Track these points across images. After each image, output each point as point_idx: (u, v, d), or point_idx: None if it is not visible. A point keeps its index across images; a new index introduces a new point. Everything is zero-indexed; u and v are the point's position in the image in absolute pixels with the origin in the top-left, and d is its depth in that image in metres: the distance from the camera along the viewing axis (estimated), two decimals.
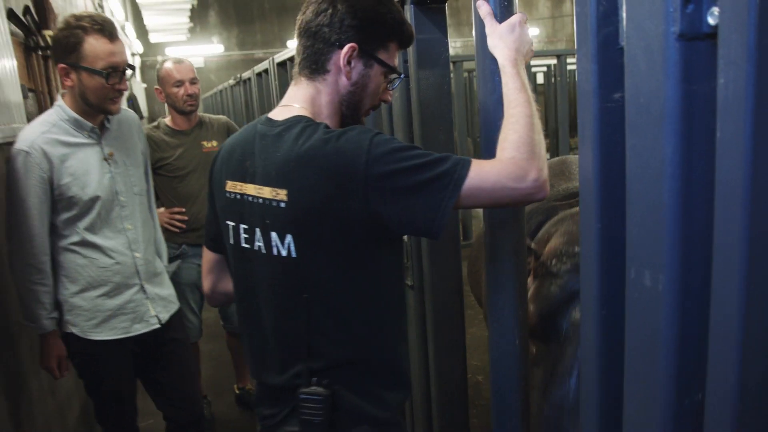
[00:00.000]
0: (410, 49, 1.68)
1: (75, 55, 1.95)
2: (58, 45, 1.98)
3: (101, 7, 6.99)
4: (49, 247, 2.05)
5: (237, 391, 3.64)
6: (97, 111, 2.06)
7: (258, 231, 1.32)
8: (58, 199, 2.02)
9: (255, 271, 1.36)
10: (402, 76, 1.44)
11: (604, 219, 0.99)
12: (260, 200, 1.29)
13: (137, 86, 10.80)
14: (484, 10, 1.29)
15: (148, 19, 10.95)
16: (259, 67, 4.66)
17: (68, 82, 2.00)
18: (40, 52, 3.18)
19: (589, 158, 0.99)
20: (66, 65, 1.97)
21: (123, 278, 2.17)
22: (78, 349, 2.16)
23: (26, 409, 2.33)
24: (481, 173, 1.16)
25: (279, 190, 1.25)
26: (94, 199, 2.07)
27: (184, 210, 3.12)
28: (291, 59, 3.51)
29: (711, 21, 0.77)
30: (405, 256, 1.91)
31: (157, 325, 2.26)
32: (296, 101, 1.36)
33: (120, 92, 2.05)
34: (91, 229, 2.09)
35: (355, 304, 1.29)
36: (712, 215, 0.80)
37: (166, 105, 3.20)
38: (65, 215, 2.05)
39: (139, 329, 2.22)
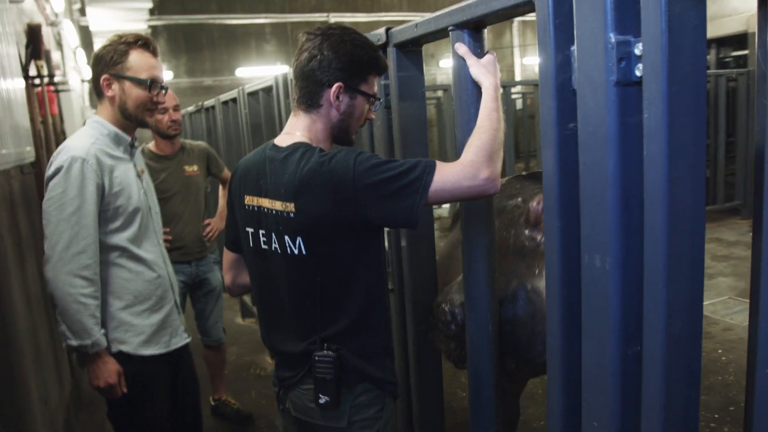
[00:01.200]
0: (392, 85, 1.98)
1: (120, 66, 2.02)
2: (103, 58, 2.03)
3: (59, 34, 7.08)
4: None
5: (213, 403, 3.78)
6: (134, 122, 2.10)
7: (274, 235, 1.61)
8: (104, 210, 2.00)
9: (273, 267, 1.66)
10: (381, 99, 1.75)
11: (563, 218, 1.30)
12: (274, 212, 1.60)
13: (88, 111, 10.78)
14: (463, 49, 1.60)
15: (99, 46, 11.01)
16: (226, 96, 4.88)
17: (110, 92, 2.04)
18: (33, 81, 3.33)
19: (551, 172, 1.30)
20: (110, 75, 2.02)
21: (163, 292, 2.18)
22: (130, 369, 2.07)
23: (31, 420, 2.47)
24: (443, 176, 1.47)
25: (288, 204, 1.56)
26: (136, 211, 2.09)
27: (168, 230, 3.25)
28: (266, 90, 3.75)
29: (638, 73, 1.09)
30: (385, 263, 2.20)
31: (188, 339, 2.30)
32: (297, 129, 1.66)
33: (156, 105, 2.12)
34: (135, 241, 2.09)
35: (354, 282, 1.60)
36: (642, 211, 1.11)
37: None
38: (110, 226, 2.03)
39: (177, 343, 2.23)
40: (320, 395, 1.61)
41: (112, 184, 2.01)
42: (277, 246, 1.62)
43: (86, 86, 12.85)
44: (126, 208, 2.05)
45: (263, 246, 1.66)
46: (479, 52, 1.60)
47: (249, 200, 1.67)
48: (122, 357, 2.06)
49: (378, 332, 1.68)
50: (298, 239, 1.57)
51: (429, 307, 2.12)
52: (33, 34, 3.23)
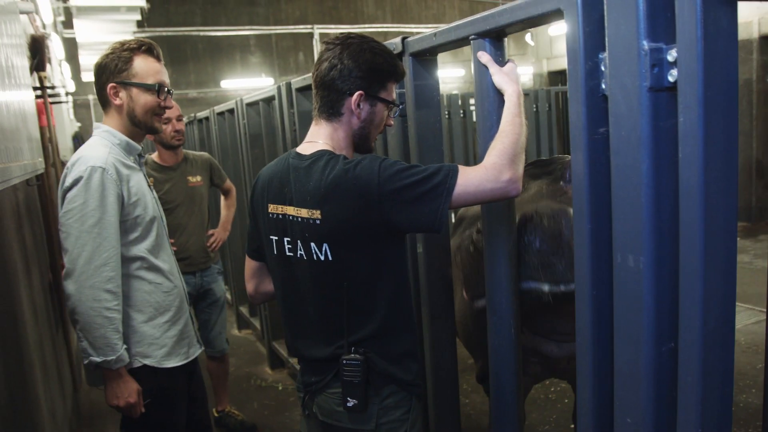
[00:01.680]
0: (408, 94, 2.01)
1: (126, 73, 1.99)
2: (107, 67, 2.00)
3: (48, 46, 7.03)
4: None
5: (216, 414, 3.76)
6: (144, 128, 2.07)
7: (299, 242, 1.63)
8: (124, 220, 1.96)
9: (299, 273, 1.68)
10: (400, 106, 1.78)
11: (593, 219, 1.33)
12: (299, 219, 1.61)
13: (73, 125, 10.74)
14: (485, 58, 1.64)
15: (84, 59, 10.95)
16: (221, 107, 4.89)
17: (117, 101, 2.00)
18: (36, 93, 3.31)
19: (581, 174, 1.33)
20: (116, 84, 1.99)
21: (180, 302, 2.15)
22: (154, 383, 2.04)
23: None
24: (466, 180, 1.51)
25: (314, 211, 1.57)
26: (153, 220, 2.05)
27: (173, 241, 3.27)
28: (267, 100, 3.77)
29: (670, 79, 1.13)
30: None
31: (202, 348, 2.29)
32: (319, 138, 1.67)
33: (164, 110, 2.10)
34: (153, 251, 2.05)
35: (380, 286, 1.62)
36: (677, 212, 1.15)
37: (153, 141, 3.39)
38: (129, 237, 1.98)
39: (194, 353, 2.21)
40: (348, 398, 1.63)
41: (130, 193, 1.98)
42: (303, 253, 1.64)
43: (70, 99, 12.80)
44: (144, 218, 2.02)
45: (288, 253, 1.68)
46: (500, 60, 1.63)
47: (273, 209, 1.69)
48: (146, 371, 2.03)
49: (403, 336, 1.70)
50: (325, 246, 1.59)
51: (445, 313, 2.15)
52: (37, 46, 3.23)
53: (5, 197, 2.38)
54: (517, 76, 1.62)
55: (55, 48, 8.16)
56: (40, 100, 3.30)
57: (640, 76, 1.15)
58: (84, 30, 8.81)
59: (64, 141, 5.45)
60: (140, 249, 2.02)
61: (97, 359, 1.90)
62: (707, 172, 1.09)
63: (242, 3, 15.94)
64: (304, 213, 1.60)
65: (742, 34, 7.50)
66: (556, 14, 1.37)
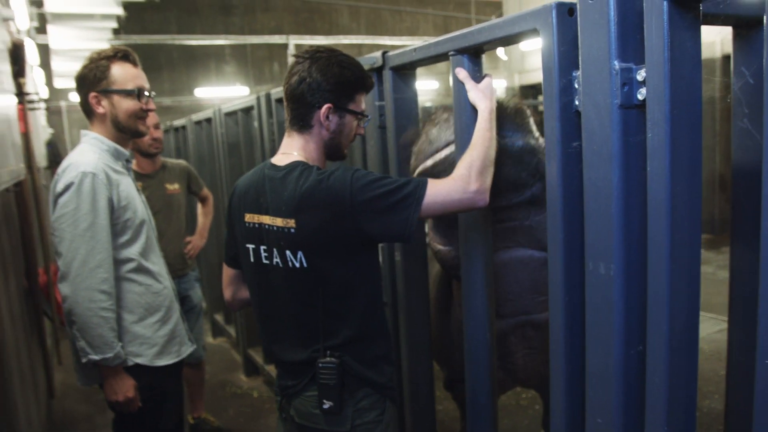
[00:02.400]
0: (388, 107, 2.07)
1: (105, 81, 2.04)
2: (86, 78, 2.05)
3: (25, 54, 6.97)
4: None
5: (192, 421, 3.77)
6: (129, 133, 2.12)
7: (275, 250, 1.69)
8: (114, 223, 2.01)
9: (275, 280, 1.72)
10: (369, 117, 1.84)
11: (566, 229, 1.40)
12: (275, 228, 1.67)
13: (45, 132, 10.60)
14: (462, 74, 1.70)
15: (57, 65, 10.84)
16: (199, 116, 4.91)
17: (100, 110, 2.06)
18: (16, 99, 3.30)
19: (554, 187, 1.40)
20: (97, 93, 2.05)
21: (170, 302, 2.21)
22: (147, 381, 2.10)
23: None
24: (435, 190, 1.57)
25: (289, 220, 1.63)
26: (142, 224, 2.11)
27: None
28: (246, 110, 3.81)
29: (639, 97, 1.21)
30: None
31: (194, 346, 2.34)
32: (292, 149, 1.73)
33: (147, 113, 2.14)
34: (143, 254, 2.11)
35: (354, 293, 1.67)
36: (646, 223, 1.22)
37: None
38: (120, 240, 2.04)
39: (185, 351, 2.27)
40: (324, 401, 1.68)
41: (119, 197, 2.03)
42: (278, 260, 1.69)
43: (43, 105, 12.66)
44: (134, 221, 2.08)
45: (264, 261, 1.73)
46: (478, 75, 1.70)
47: (249, 218, 1.75)
48: (138, 370, 2.08)
49: (377, 340, 1.76)
50: (299, 253, 1.64)
51: (421, 320, 2.21)
52: (17, 52, 3.23)
53: None
54: (492, 91, 1.68)
55: (29, 54, 8.08)
56: (21, 107, 3.29)
57: (612, 94, 1.23)
58: (58, 36, 8.73)
59: (39, 147, 5.39)
60: (130, 251, 2.08)
61: (96, 357, 1.96)
62: (674, 185, 1.17)
63: (218, 12, 15.95)
64: (279, 222, 1.65)
65: (706, 53, 7.71)
66: (532, 33, 1.44)
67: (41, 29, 10.03)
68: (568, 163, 1.39)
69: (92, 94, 2.06)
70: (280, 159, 1.73)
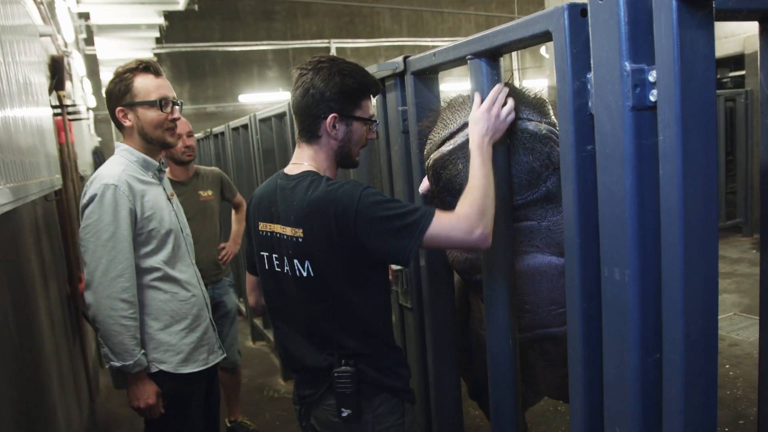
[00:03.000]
0: (410, 111, 2.06)
1: (129, 95, 2.09)
2: (113, 93, 2.11)
3: (69, 65, 7.21)
4: None
5: (228, 425, 3.82)
6: (157, 144, 2.17)
7: (285, 259, 1.72)
8: (138, 233, 2.07)
9: (287, 288, 1.75)
10: (377, 121, 1.85)
11: (582, 234, 1.37)
12: (285, 237, 1.70)
13: (93, 140, 10.95)
14: (477, 100, 1.65)
15: (105, 75, 11.19)
16: (236, 122, 4.98)
17: (127, 123, 2.11)
18: (55, 111, 3.41)
19: (569, 191, 1.38)
20: (123, 107, 2.10)
21: (198, 310, 2.25)
22: (170, 388, 2.15)
23: None
24: (440, 225, 1.55)
25: (297, 229, 1.65)
26: (169, 233, 2.15)
27: None
28: (279, 116, 3.85)
29: (652, 98, 1.18)
30: (404, 281, 2.27)
31: (224, 355, 2.38)
32: (303, 160, 1.75)
33: (174, 122, 2.17)
34: (169, 262, 2.15)
35: (362, 301, 1.67)
36: (659, 227, 1.19)
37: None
38: (144, 249, 2.09)
39: (214, 360, 2.30)
40: (342, 409, 1.69)
41: (144, 208, 2.08)
42: (288, 269, 1.72)
43: (91, 114, 13.07)
44: (159, 231, 2.12)
45: (276, 269, 1.76)
46: (496, 79, 1.68)
47: (263, 226, 1.78)
48: (162, 376, 2.13)
49: (388, 345, 1.76)
50: (306, 262, 1.66)
51: (447, 325, 2.19)
52: (56, 66, 3.34)
53: (24, 213, 2.46)
54: (485, 122, 1.60)
55: (77, 65, 8.35)
56: (60, 118, 3.39)
57: (623, 96, 1.20)
58: (105, 47, 9.01)
59: (84, 156, 5.55)
60: (155, 260, 2.12)
61: (117, 364, 2.03)
62: (686, 188, 1.13)
63: (260, 18, 16.18)
64: (288, 231, 1.68)
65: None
66: (545, 36, 1.42)
67: (89, 41, 10.37)
68: (582, 166, 1.36)
69: (118, 108, 2.12)
70: (292, 169, 1.76)
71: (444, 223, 1.55)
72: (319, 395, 1.74)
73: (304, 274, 1.67)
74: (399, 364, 1.77)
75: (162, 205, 2.17)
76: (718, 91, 8.12)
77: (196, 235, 3.40)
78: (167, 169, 3.47)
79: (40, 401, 2.33)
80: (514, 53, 19.10)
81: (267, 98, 15.67)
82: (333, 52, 16.79)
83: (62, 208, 3.26)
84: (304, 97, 1.69)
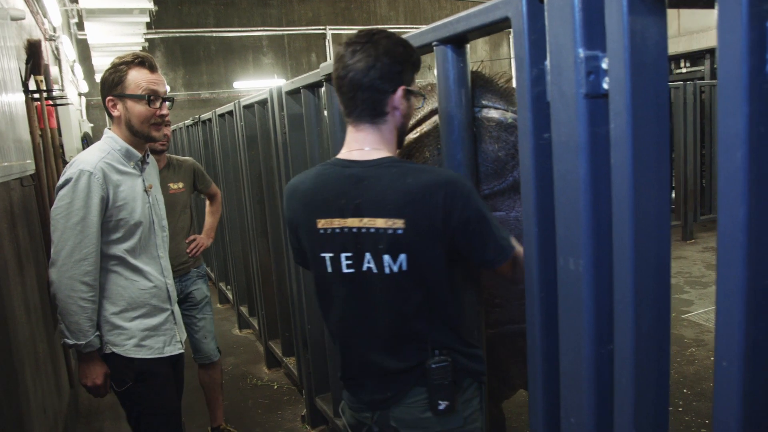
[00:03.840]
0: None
1: (120, 86, 2.13)
2: (106, 81, 2.15)
3: (57, 49, 7.16)
4: None
5: None
6: (142, 138, 2.20)
7: (369, 255, 1.56)
8: (107, 221, 2.12)
9: (365, 288, 1.60)
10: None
11: (540, 223, 1.36)
12: (371, 230, 1.54)
13: (85, 125, 10.86)
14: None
15: (97, 60, 11.10)
16: (222, 109, 4.95)
17: (116, 112, 2.16)
18: (32, 96, 3.36)
19: (528, 180, 1.36)
20: (113, 97, 2.14)
21: (158, 302, 2.30)
22: (121, 369, 2.23)
23: (29, 427, 2.52)
24: (520, 256, 1.53)
25: (396, 220, 1.50)
26: (138, 225, 2.20)
27: None
28: (261, 102, 3.82)
29: (605, 86, 1.16)
30: None
31: (183, 349, 2.41)
32: (368, 144, 1.59)
33: (161, 118, 2.20)
34: (133, 252, 2.21)
35: (451, 290, 1.60)
36: (611, 216, 1.17)
37: None
38: (111, 237, 2.15)
39: (171, 351, 2.34)
40: (440, 401, 1.61)
41: (116, 198, 2.13)
42: (372, 266, 1.57)
43: (83, 100, 12.99)
44: (128, 222, 2.17)
45: (346, 270, 1.61)
46: (461, 66, 1.66)
47: (325, 223, 1.61)
48: (119, 358, 2.22)
49: (470, 329, 1.75)
50: (402, 255, 1.53)
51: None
52: (33, 50, 3.30)
53: None
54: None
55: (66, 49, 8.28)
56: (39, 103, 3.36)
57: (577, 83, 1.18)
58: (95, 32, 8.93)
59: (71, 142, 5.52)
60: (119, 249, 2.18)
61: (70, 341, 2.13)
62: (637, 178, 1.11)
63: (255, 4, 16.07)
64: (380, 223, 1.53)
65: None
66: (505, 22, 1.40)
67: (81, 25, 10.29)
68: (540, 155, 1.34)
69: (108, 97, 2.16)
70: (360, 155, 1.60)
71: (518, 252, 1.54)
72: (403, 394, 1.65)
73: (395, 269, 1.54)
74: (479, 348, 1.73)
75: (136, 196, 2.21)
76: (696, 82, 8.10)
77: None
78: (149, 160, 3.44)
79: (12, 387, 2.32)
80: (488, 44, 18.95)
81: (262, 85, 15.60)
82: (329, 39, 16.70)
83: (41, 194, 3.23)
84: (368, 71, 1.52)
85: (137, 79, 2.14)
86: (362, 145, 1.60)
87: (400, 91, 1.55)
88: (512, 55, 1.40)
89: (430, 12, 17.74)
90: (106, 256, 2.16)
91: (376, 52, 1.52)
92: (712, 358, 4.21)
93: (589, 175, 1.20)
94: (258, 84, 15.72)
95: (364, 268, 1.57)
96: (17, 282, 2.69)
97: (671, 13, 9.61)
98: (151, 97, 2.15)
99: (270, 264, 4.30)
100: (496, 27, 1.47)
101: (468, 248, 1.53)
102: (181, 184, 3.51)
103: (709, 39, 7.81)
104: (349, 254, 1.58)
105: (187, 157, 3.74)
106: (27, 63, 3.16)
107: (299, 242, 1.71)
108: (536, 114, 1.33)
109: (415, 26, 17.04)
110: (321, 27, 16.73)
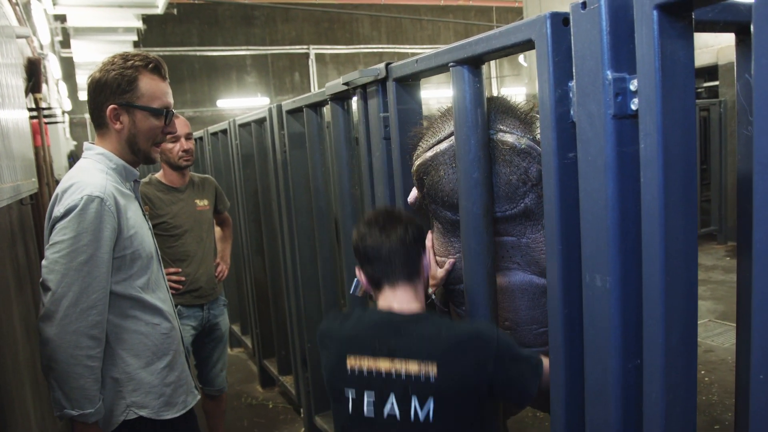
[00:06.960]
0: (392, 118, 2.06)
1: (130, 94, 1.75)
2: (108, 85, 1.75)
3: (45, 67, 7.12)
4: None
5: None
6: (141, 157, 1.85)
7: (394, 399, 1.54)
8: (118, 256, 1.72)
9: None
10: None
11: (563, 241, 1.38)
12: (403, 375, 1.54)
13: (69, 144, 10.82)
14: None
15: (81, 78, 11.07)
16: (215, 127, 4.95)
17: (117, 125, 1.77)
18: (32, 113, 3.33)
19: (551, 199, 1.39)
20: (117, 105, 1.75)
21: (177, 345, 1.91)
22: None
23: None
24: (546, 367, 1.54)
25: (430, 365, 1.51)
26: (150, 256, 1.82)
27: (180, 270, 3.02)
28: (259, 121, 3.82)
29: (633, 107, 1.19)
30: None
31: (197, 397, 2.00)
32: (406, 301, 1.65)
33: (166, 136, 1.88)
34: (151, 290, 1.82)
35: None
36: (640, 233, 1.20)
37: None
38: (124, 274, 1.74)
39: (191, 402, 1.95)
40: None
41: (128, 226, 1.74)
42: (396, 412, 1.54)
43: (67, 117, 12.91)
44: (140, 253, 1.78)
45: (368, 414, 1.58)
46: (477, 86, 1.69)
47: (355, 362, 1.60)
48: (143, 423, 1.81)
49: None
50: (430, 402, 1.52)
51: None
52: (33, 68, 3.29)
53: None
54: None
55: (53, 68, 8.25)
56: (36, 121, 3.34)
57: (605, 104, 1.21)
58: (81, 50, 8.91)
59: (59, 160, 5.48)
60: (135, 287, 1.78)
61: (73, 413, 1.65)
62: (667, 196, 1.15)
63: (239, 23, 16.14)
64: (413, 368, 1.53)
65: None
66: (527, 44, 1.43)
67: (65, 43, 10.25)
68: (564, 174, 1.37)
69: (112, 105, 1.76)
70: (398, 308, 1.64)
71: (546, 366, 1.56)
72: None
73: (421, 417, 1.51)
74: None
75: (141, 222, 1.84)
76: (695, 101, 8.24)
77: (193, 250, 3.12)
78: (159, 173, 3.17)
79: (11, 411, 2.28)
80: (492, 61, 19.26)
81: (245, 103, 15.64)
82: (312, 58, 16.78)
83: (38, 213, 3.20)
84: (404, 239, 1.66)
85: (152, 88, 1.79)
86: (401, 301, 1.65)
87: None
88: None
89: (411, 32, 17.93)
90: (120, 298, 1.74)
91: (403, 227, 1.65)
92: (702, 371, 4.27)
93: (616, 193, 1.23)
94: (241, 102, 15.75)
95: (386, 413, 1.55)
96: (18, 302, 2.66)
97: None
98: (168, 113, 1.82)
99: (266, 282, 4.28)
100: (518, 49, 1.50)
101: (511, 392, 1.58)
102: (206, 202, 3.25)
103: (705, 58, 7.96)
104: (373, 398, 1.58)
105: (206, 175, 3.52)
106: (29, 81, 3.14)
107: (330, 377, 1.69)
108: (560, 134, 1.35)
109: (396, 46, 17.21)
110: (304, 46, 16.83)
